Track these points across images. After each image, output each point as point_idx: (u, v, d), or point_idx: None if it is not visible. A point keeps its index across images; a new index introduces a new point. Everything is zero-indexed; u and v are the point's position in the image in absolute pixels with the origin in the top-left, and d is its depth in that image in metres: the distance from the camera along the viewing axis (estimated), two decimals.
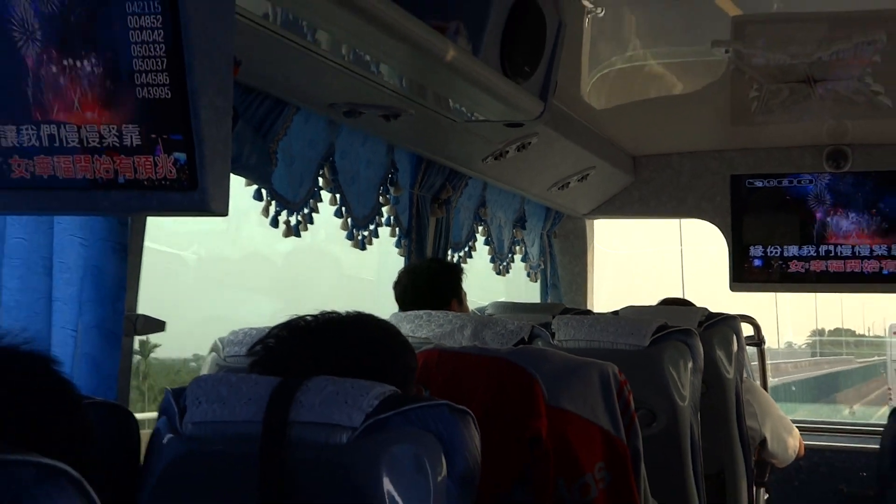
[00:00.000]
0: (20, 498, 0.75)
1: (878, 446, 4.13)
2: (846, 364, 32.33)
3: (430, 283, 3.03)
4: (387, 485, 1.25)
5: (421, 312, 2.64)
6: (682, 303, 3.89)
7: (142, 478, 1.38)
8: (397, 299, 3.10)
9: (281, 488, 1.27)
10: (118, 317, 2.09)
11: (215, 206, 1.54)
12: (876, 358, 33.54)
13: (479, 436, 1.40)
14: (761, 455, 3.65)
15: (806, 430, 3.91)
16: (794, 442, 3.72)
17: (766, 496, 3.79)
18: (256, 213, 2.82)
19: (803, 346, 34.95)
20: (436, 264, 3.23)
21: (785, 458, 3.71)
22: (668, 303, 3.91)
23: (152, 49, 1.48)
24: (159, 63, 1.49)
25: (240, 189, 2.69)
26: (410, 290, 3.02)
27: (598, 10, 3.01)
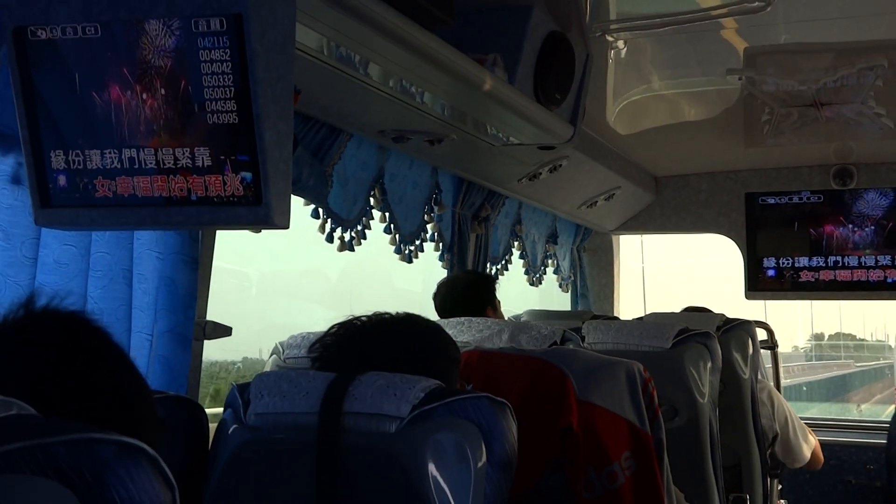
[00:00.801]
0: (103, 474, 0.75)
1: (884, 441, 4.07)
2: (845, 368, 30.45)
3: (466, 292, 3.02)
4: (432, 469, 1.25)
5: (462, 319, 2.63)
6: (703, 310, 3.85)
7: (209, 463, 1.39)
8: (437, 308, 3.09)
9: (336, 472, 1.27)
10: (189, 323, 2.11)
11: (278, 219, 1.55)
12: (875, 362, 32.26)
13: (516, 426, 1.39)
14: (774, 449, 3.61)
15: (815, 426, 3.85)
16: (807, 448, 3.65)
17: (780, 487, 3.74)
18: (312, 231, 2.83)
19: (802, 350, 33.81)
20: (472, 275, 3.22)
21: (793, 460, 3.64)
22: (689, 310, 3.88)
23: (221, 80, 1.50)
24: (228, 92, 1.50)
25: (297, 209, 2.71)
26: (449, 300, 3.01)
27: (621, 44, 3.00)
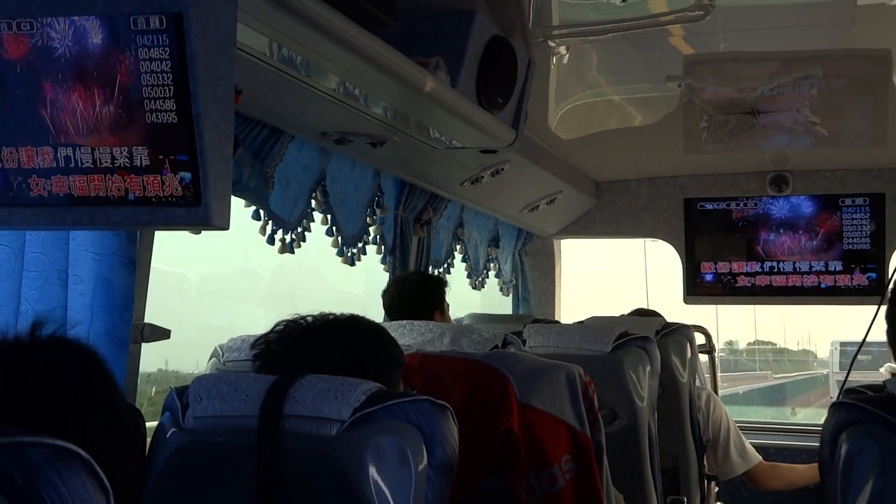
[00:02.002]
0: (33, 478, 0.74)
1: (817, 444, 4.14)
2: (760, 381, 27.14)
3: (415, 294, 3.02)
4: (373, 473, 1.25)
5: (404, 322, 2.63)
6: (651, 313, 3.89)
7: (147, 468, 1.37)
8: (385, 307, 3.09)
9: (276, 476, 1.26)
10: (126, 325, 2.08)
11: (217, 220, 1.54)
12: (799, 373, 29.80)
13: (457, 429, 1.39)
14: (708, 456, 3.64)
15: (748, 429, 3.91)
16: (742, 464, 3.65)
17: (717, 489, 3.79)
18: (246, 231, 2.80)
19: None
20: (421, 278, 3.21)
21: (723, 471, 3.67)
22: (638, 313, 3.92)
23: (160, 78, 1.48)
24: (167, 91, 1.48)
25: (235, 209, 2.67)
26: (397, 301, 3.01)
27: (563, 49, 3.02)
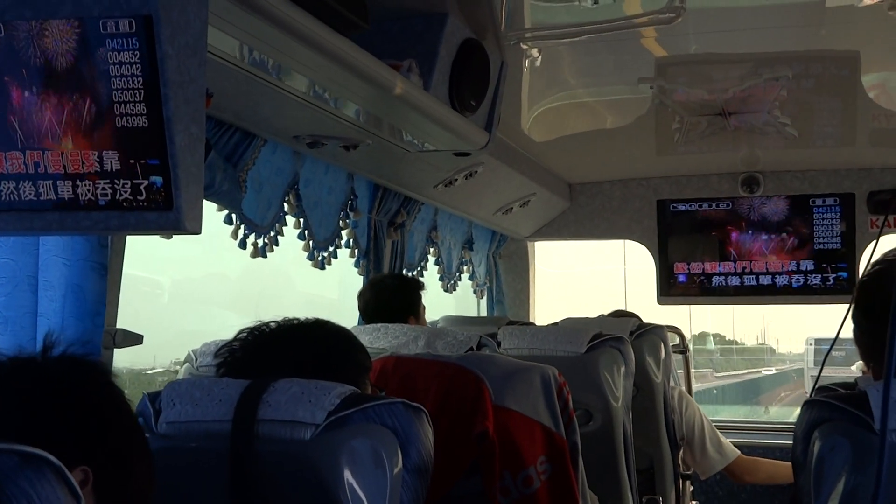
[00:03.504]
0: (3, 485, 0.73)
1: (790, 442, 4.17)
2: (701, 381, 22.27)
3: (391, 299, 3.01)
4: (348, 476, 1.24)
5: (378, 325, 2.62)
6: (629, 315, 3.91)
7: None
8: (360, 310, 3.08)
9: (250, 480, 1.25)
10: (98, 330, 2.07)
11: (189, 225, 1.53)
12: (748, 371, 27.94)
13: (432, 431, 1.39)
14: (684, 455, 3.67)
15: (723, 429, 3.94)
16: (720, 460, 3.69)
17: (692, 488, 3.81)
18: (217, 236, 2.79)
19: None
20: (398, 280, 3.20)
21: (702, 469, 3.70)
22: (616, 314, 3.94)
23: (131, 82, 1.47)
24: (137, 95, 1.47)
25: (208, 213, 2.66)
26: (373, 303, 3.00)
27: (536, 52, 3.03)
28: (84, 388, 1.17)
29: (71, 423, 1.12)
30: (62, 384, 1.15)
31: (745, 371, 29.36)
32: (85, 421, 1.14)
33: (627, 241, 5.07)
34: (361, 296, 3.07)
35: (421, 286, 3.14)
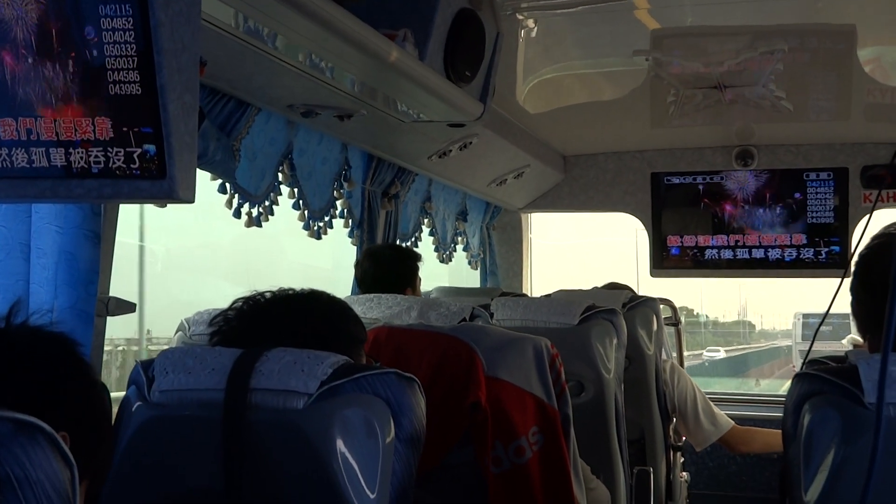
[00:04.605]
0: None
1: (780, 415, 4.18)
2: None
3: (389, 269, 3.01)
4: (340, 446, 1.24)
5: (371, 296, 2.63)
6: (622, 287, 3.92)
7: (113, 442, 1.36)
8: (357, 279, 3.08)
9: (242, 449, 1.25)
10: (91, 299, 2.07)
11: (183, 193, 1.52)
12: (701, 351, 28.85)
13: (424, 401, 1.39)
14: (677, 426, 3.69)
15: (715, 400, 3.96)
16: (714, 431, 3.71)
17: (682, 459, 3.83)
18: (208, 205, 2.77)
19: None
20: (396, 251, 3.20)
21: (696, 440, 3.72)
22: (609, 287, 3.95)
23: (124, 49, 1.46)
24: (130, 62, 1.46)
25: (202, 183, 2.65)
26: (371, 273, 3.01)
27: (531, 23, 3.02)
28: (53, 355, 1.20)
29: (46, 390, 1.14)
30: (22, 353, 1.17)
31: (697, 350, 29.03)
32: (56, 387, 1.16)
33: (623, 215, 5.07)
34: (359, 265, 3.06)
35: (418, 257, 3.14)
